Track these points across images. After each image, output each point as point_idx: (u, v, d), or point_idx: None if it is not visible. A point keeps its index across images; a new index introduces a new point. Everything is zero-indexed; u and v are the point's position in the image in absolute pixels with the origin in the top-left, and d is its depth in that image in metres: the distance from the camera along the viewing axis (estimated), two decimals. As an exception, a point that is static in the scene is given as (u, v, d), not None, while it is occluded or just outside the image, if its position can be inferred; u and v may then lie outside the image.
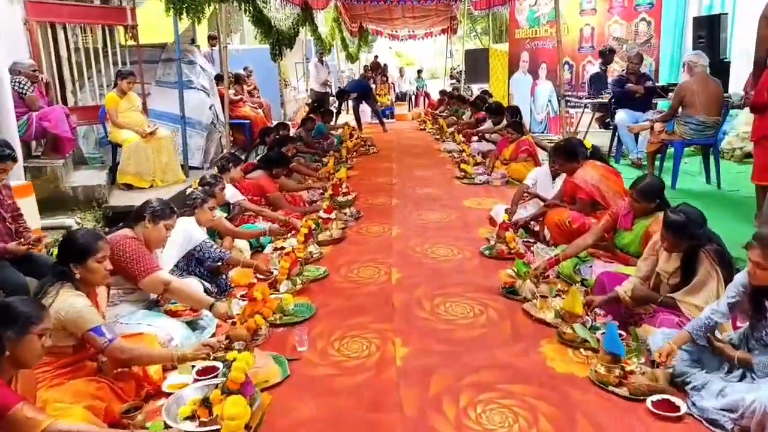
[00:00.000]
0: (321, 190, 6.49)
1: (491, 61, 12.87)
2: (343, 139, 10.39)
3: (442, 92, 15.54)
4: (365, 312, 3.67)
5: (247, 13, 8.48)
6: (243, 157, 7.71)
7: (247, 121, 9.79)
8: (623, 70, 8.13)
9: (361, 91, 12.95)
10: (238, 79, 10.82)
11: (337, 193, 6.04)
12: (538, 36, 11.14)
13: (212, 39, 11.58)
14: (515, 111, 8.91)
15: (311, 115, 9.74)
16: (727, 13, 8.42)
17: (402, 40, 25.74)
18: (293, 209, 5.59)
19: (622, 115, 7.45)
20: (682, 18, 9.13)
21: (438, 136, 11.62)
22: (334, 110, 12.49)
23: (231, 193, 4.91)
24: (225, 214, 4.72)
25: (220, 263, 3.86)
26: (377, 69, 17.74)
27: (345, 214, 5.73)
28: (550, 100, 11.10)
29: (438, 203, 6.41)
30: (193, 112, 7.99)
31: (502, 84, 12.80)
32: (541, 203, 5.01)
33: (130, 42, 7.54)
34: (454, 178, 7.68)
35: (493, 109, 9.28)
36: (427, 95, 18.53)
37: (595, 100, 8.45)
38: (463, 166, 7.67)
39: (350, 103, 14.11)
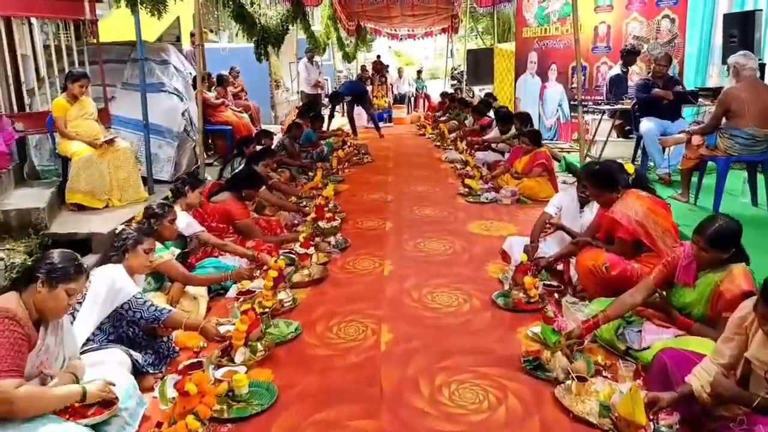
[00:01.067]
0: (303, 214, 5.58)
1: (496, 62, 11.98)
2: (335, 147, 9.49)
3: (443, 94, 14.65)
4: (344, 398, 2.76)
5: (227, 7, 7.57)
6: (220, 169, 6.81)
7: (229, 127, 8.90)
8: (649, 73, 7.23)
9: (355, 93, 12.06)
10: (221, 81, 9.93)
11: (321, 215, 5.14)
12: (548, 35, 10.24)
13: (194, 36, 10.66)
14: (526, 118, 8.03)
15: (297, 121, 8.83)
16: (761, 10, 7.51)
17: (401, 39, 24.82)
18: (267, 239, 4.68)
19: (648, 125, 6.55)
20: (711, 15, 8.24)
21: (439, 143, 10.72)
22: (327, 114, 11.61)
23: (186, 224, 4.01)
24: (179, 250, 3.82)
25: (156, 325, 2.96)
26: (381, 70, 16.83)
27: (329, 243, 4.83)
28: (560, 105, 10.21)
29: (439, 228, 5.51)
30: (164, 118, 7.10)
31: (508, 86, 11.90)
32: (565, 234, 4.12)
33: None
34: (458, 194, 6.78)
35: (502, 116, 8.37)
36: (427, 97, 17.63)
37: (616, 106, 7.54)
38: (467, 181, 6.77)
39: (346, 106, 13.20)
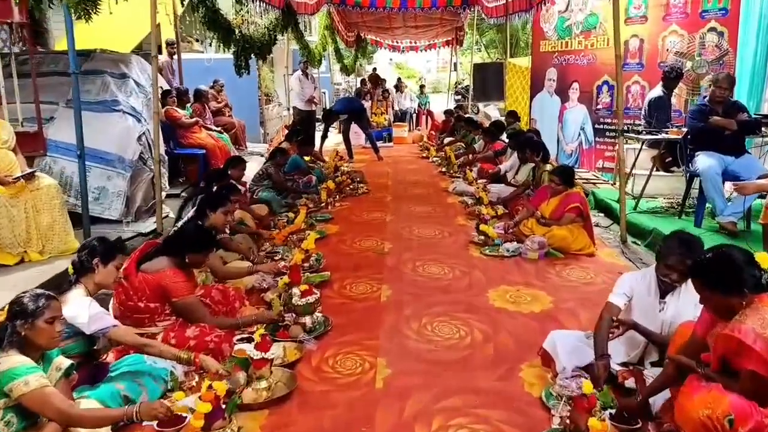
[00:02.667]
0: (274, 274, 4.31)
1: (509, 78, 10.78)
2: (326, 174, 8.25)
3: (448, 112, 13.43)
4: None
5: (196, 12, 6.36)
6: (179, 208, 5.55)
7: (202, 151, 7.68)
8: (704, 97, 6.01)
9: (352, 111, 10.86)
10: (198, 96, 8.73)
11: (296, 280, 3.87)
12: (570, 49, 9.04)
13: (171, 46, 9.46)
14: (528, 141, 6.82)
15: (283, 146, 7.59)
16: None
17: (403, 51, 23.72)
18: (217, 323, 3.40)
19: (707, 161, 5.32)
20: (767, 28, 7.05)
21: (444, 170, 9.49)
22: (319, 135, 10.27)
23: (89, 317, 2.74)
24: (69, 362, 2.54)
25: None
26: (376, 83, 15.62)
27: (303, 324, 3.57)
28: (583, 129, 8.98)
29: (449, 298, 4.22)
30: (115, 143, 5.89)
31: (523, 105, 10.69)
32: (638, 333, 2.86)
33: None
34: (470, 243, 5.53)
35: (524, 143, 7.11)
36: (429, 114, 16.39)
37: (661, 135, 6.30)
38: (482, 227, 5.51)
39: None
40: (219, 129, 8.73)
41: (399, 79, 23.05)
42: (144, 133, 6.10)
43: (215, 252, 3.89)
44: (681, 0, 7.41)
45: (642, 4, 7.90)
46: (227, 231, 4.55)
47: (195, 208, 4.22)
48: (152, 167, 6.01)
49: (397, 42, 22.50)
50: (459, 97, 21.68)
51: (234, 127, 10.58)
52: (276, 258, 4.86)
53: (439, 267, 4.88)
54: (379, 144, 11.38)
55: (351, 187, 7.90)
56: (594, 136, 8.80)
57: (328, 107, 14.60)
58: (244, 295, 3.92)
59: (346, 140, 10.94)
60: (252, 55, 8.32)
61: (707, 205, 5.50)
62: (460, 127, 11.58)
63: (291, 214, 6.02)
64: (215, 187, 4.85)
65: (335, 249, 5.40)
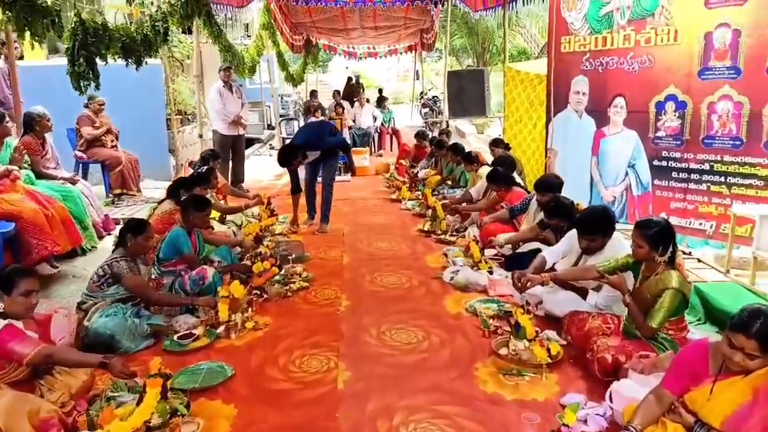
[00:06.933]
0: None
1: (508, 90, 7.75)
2: (244, 247, 5.02)
3: (420, 135, 10.32)
4: None
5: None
6: None
7: (11, 225, 4.38)
8: None
9: (329, 145, 6.53)
10: (30, 125, 5.44)
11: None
12: (611, 48, 6.08)
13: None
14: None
15: (141, 218, 4.31)
16: None
17: (360, 59, 20.70)
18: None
19: None
20: None
21: (430, 227, 6.37)
22: (209, 194, 6.00)
23: None
24: None
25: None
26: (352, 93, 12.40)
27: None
28: (633, 165, 6.05)
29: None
30: None
31: (530, 129, 7.69)
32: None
33: None
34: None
35: (555, 210, 4.18)
36: (395, 133, 13.28)
37: None
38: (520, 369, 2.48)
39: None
40: (67, 178, 5.40)
41: (357, 81, 19.90)
42: None
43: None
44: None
45: (737, -25, 4.99)
46: None
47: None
48: None
49: (353, 48, 19.49)
50: (427, 109, 18.73)
51: (119, 164, 7.29)
52: None
53: None
54: (336, 178, 7.93)
55: (281, 281, 4.69)
56: (651, 177, 5.86)
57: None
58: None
59: (309, 193, 6.82)
60: (119, 57, 5.06)
61: None
62: (442, 155, 8.54)
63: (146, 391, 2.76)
64: None
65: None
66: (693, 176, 5.53)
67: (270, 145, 14.74)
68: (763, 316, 2.20)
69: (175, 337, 3.62)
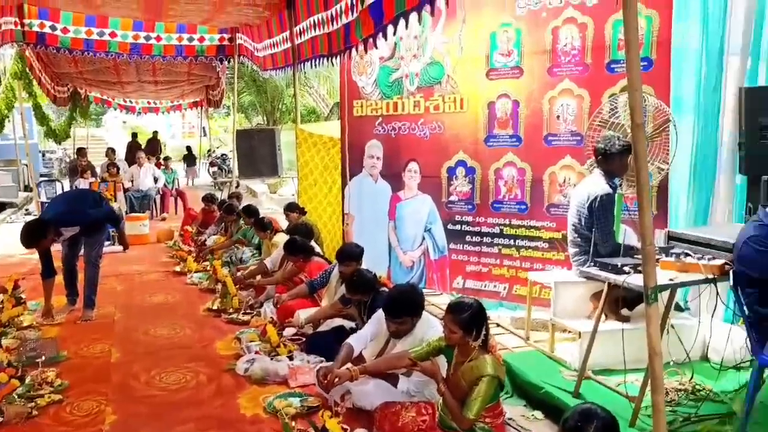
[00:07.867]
0: None
1: (301, 152, 7.41)
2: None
3: (208, 199, 9.50)
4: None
5: None
6: None
7: None
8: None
9: (91, 220, 5.39)
10: None
11: None
12: (401, 113, 6.08)
13: None
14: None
15: None
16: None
17: (139, 113, 19.08)
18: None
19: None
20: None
21: (218, 305, 5.62)
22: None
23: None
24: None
25: None
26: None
27: None
28: (429, 229, 6.01)
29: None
30: None
31: (325, 192, 7.39)
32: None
33: None
34: None
35: (358, 284, 3.87)
36: (181, 195, 12.21)
37: (619, 276, 3.39)
38: None
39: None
40: None
41: (133, 147, 18.26)
42: None
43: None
44: (572, 45, 4.95)
45: (514, 50, 5.28)
46: None
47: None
48: None
49: (131, 101, 17.92)
50: (215, 168, 17.81)
51: None
52: None
53: None
54: (105, 249, 6.69)
55: (20, 395, 3.60)
56: (447, 240, 5.87)
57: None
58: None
59: (69, 272, 5.64)
60: None
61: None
62: (232, 221, 7.85)
63: None
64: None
65: None
66: (485, 239, 5.62)
67: (26, 210, 12.65)
68: (595, 419, 2.11)
69: None
